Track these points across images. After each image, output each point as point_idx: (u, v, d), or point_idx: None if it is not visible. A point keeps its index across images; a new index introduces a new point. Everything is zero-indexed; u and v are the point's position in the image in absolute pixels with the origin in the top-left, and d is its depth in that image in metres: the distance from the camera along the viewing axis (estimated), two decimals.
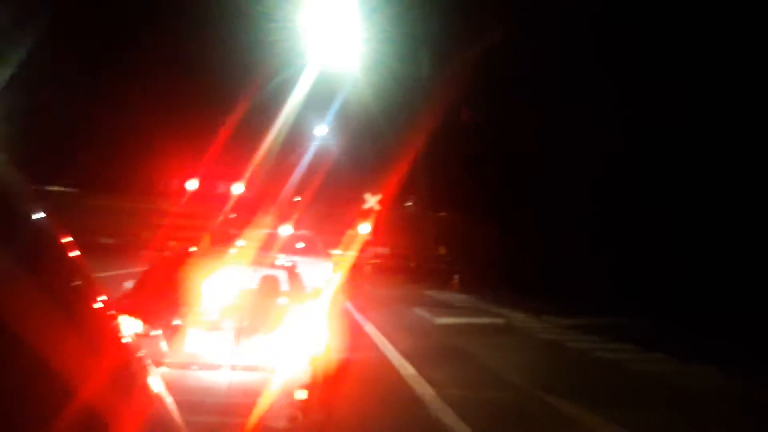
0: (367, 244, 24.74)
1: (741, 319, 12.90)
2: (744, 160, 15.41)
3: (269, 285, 5.51)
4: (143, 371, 1.34)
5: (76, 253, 1.14)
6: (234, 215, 28.05)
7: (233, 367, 4.47)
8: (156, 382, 1.36)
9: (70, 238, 1.13)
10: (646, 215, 17.37)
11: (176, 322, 4.54)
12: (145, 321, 4.51)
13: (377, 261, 25.48)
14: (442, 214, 26.57)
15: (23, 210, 1.01)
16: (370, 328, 10.73)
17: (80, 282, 1.10)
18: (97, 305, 1.16)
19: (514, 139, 19.92)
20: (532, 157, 19.61)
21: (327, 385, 5.04)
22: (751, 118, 15.13)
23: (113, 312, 1.29)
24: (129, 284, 6.13)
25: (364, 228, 22.72)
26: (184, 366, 4.45)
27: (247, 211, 26.76)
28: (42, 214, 1.04)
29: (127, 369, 1.25)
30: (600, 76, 17.42)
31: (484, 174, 22.26)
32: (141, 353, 1.39)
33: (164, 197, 31.81)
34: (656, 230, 17.13)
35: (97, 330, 1.15)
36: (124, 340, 1.28)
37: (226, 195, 29.21)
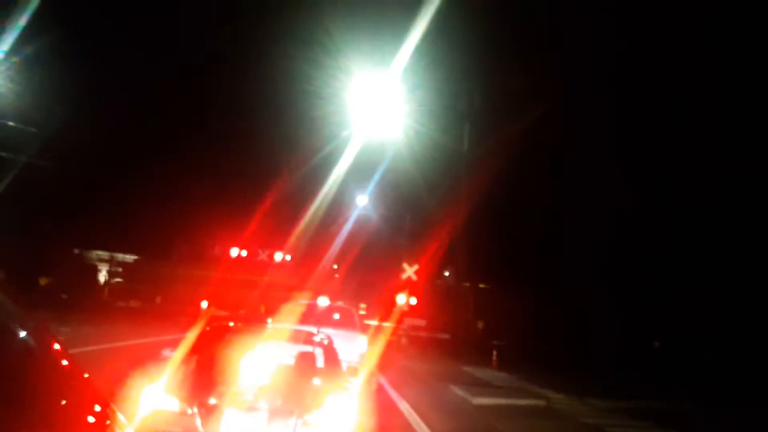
0: (404, 315, 24.51)
1: None
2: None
3: (305, 362, 5.48)
4: None
5: (67, 361, 1.14)
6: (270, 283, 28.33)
7: None
8: None
9: (58, 347, 1.15)
10: (685, 300, 16.84)
11: (212, 401, 4.54)
12: (181, 399, 4.52)
13: (414, 333, 25.10)
14: (481, 285, 26.23)
15: (10, 329, 1.04)
16: (404, 406, 10.44)
17: (70, 396, 1.10)
18: (91, 417, 1.15)
19: (554, 217, 19.87)
20: (563, 232, 19.49)
21: None
22: None
23: (109, 414, 1.27)
24: (168, 351, 6.20)
25: (402, 299, 22.57)
26: None
27: (288, 280, 27.06)
28: (28, 332, 1.06)
29: None
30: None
31: (526, 249, 22.08)
32: None
33: (210, 264, 32.56)
34: (699, 316, 16.53)
35: None
36: None
37: (268, 263, 29.63)
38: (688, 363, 15.58)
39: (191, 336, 5.89)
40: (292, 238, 27.74)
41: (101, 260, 35.18)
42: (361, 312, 15.96)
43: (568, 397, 13.69)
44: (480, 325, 24.44)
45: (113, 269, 34.43)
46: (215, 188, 32.01)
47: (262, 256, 30.11)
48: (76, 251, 33.37)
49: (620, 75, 18.09)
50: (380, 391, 11.36)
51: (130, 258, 35.43)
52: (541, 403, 12.82)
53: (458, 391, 13.13)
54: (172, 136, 32.46)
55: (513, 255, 22.24)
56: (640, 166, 17.30)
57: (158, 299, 30.25)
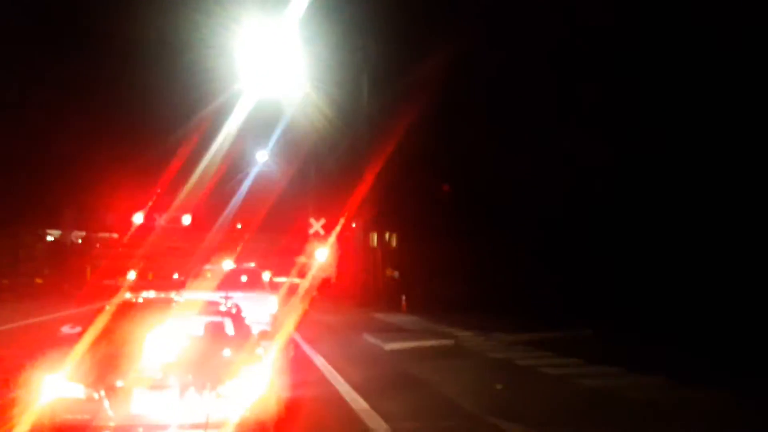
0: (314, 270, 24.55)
1: (686, 326, 13.44)
2: (673, 171, 16.15)
3: (213, 333, 5.38)
4: None
5: None
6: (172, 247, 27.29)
7: (180, 426, 4.33)
8: None
9: None
10: (585, 229, 17.94)
11: (119, 383, 4.37)
12: (87, 384, 4.32)
13: (325, 287, 25.29)
14: (387, 234, 26.72)
15: None
16: (319, 361, 10.60)
17: None
18: None
19: (464, 158, 20.27)
20: (480, 174, 19.99)
21: (278, 431, 4.95)
22: (690, 136, 15.80)
23: None
24: (67, 328, 5.87)
25: (310, 254, 22.59)
26: (130, 429, 4.28)
27: (188, 243, 26.13)
28: None
29: None
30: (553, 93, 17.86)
31: (431, 193, 22.54)
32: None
33: (104, 231, 30.79)
34: (598, 242, 17.68)
35: None
36: None
37: (165, 227, 28.42)
38: (582, 295, 16.76)
39: (92, 313, 5.61)
40: (189, 199, 26.70)
41: None
42: (268, 275, 15.77)
43: (475, 334, 14.42)
44: (389, 272, 25.00)
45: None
46: (99, 150, 29.91)
47: (159, 220, 28.79)
48: None
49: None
50: (295, 348, 11.42)
51: None
52: (450, 342, 13.44)
53: (371, 338, 13.48)
54: (44, 95, 29.74)
55: (420, 202, 22.68)
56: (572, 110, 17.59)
57: (39, 278, 28.13)
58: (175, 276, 20.78)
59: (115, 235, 29.93)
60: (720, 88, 14.75)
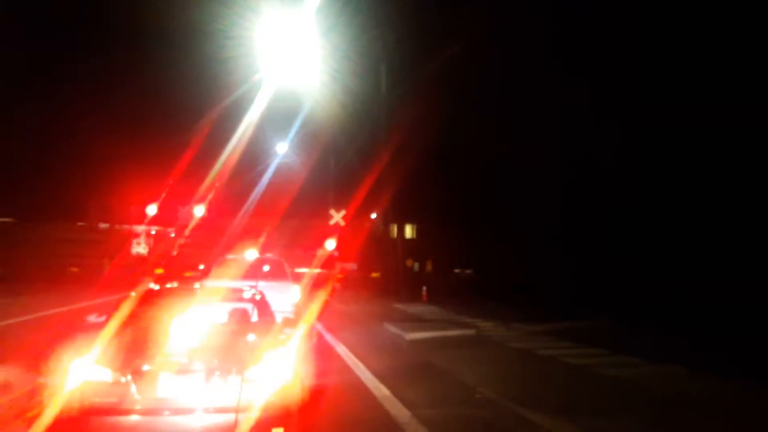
0: (335, 261, 24.69)
1: (703, 317, 13.35)
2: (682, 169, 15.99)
3: (237, 319, 5.44)
4: None
5: None
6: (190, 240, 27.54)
7: (206, 410, 4.39)
8: None
9: None
10: (607, 224, 17.82)
11: (146, 367, 4.45)
12: (113, 369, 4.41)
13: (347, 277, 25.41)
14: (407, 225, 26.73)
15: None
16: (341, 349, 10.67)
17: None
18: None
19: (483, 151, 20.22)
20: (498, 168, 19.93)
21: (301, 417, 5.00)
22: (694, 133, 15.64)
23: None
24: (93, 317, 5.99)
25: (331, 244, 22.67)
26: (156, 412, 4.36)
27: (210, 234, 26.41)
28: None
29: None
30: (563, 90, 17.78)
31: (451, 185, 22.49)
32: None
33: (125, 223, 31.19)
34: (616, 236, 17.57)
35: None
36: None
37: (187, 218, 28.69)
38: (600, 285, 16.68)
39: (118, 302, 5.70)
40: (211, 192, 26.94)
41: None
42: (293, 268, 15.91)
43: (495, 324, 14.41)
44: (410, 263, 25.04)
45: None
46: (123, 143, 30.35)
47: (182, 212, 29.11)
48: None
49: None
50: (317, 337, 11.53)
51: None
52: (471, 332, 13.44)
53: (392, 328, 13.52)
54: (70, 91, 30.21)
55: (440, 194, 22.64)
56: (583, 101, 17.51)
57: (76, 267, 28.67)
58: (201, 267, 21.01)
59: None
60: (720, 83, 14.56)
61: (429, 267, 23.84)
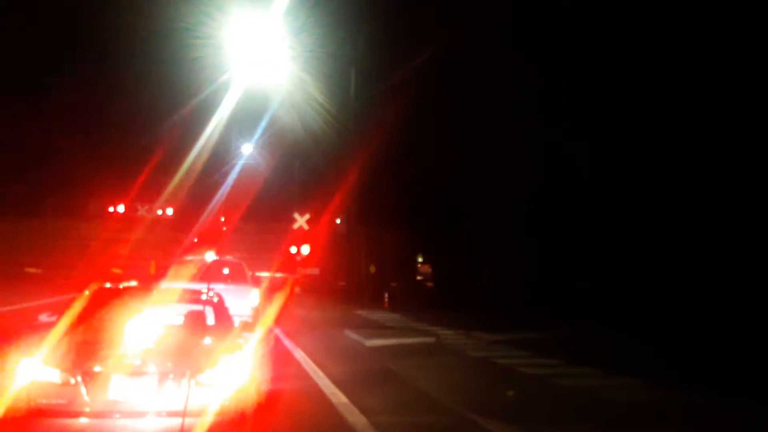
0: (297, 265, 24.49)
1: (661, 330, 13.66)
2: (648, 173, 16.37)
3: (194, 322, 5.33)
4: None
5: None
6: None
7: (158, 414, 4.28)
8: None
9: None
10: (568, 232, 18.12)
11: (97, 368, 4.31)
12: (62, 369, 4.26)
13: (308, 282, 25.21)
14: (371, 230, 26.70)
15: None
16: (299, 355, 10.56)
17: None
18: None
19: (444, 159, 20.34)
20: (461, 175, 20.09)
21: (256, 423, 4.91)
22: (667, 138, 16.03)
23: None
24: (44, 316, 5.79)
25: (293, 249, 22.50)
26: (106, 415, 4.22)
27: (171, 233, 25.91)
28: None
29: None
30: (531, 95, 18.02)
31: (414, 192, 22.57)
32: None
33: (87, 221, 30.39)
34: (579, 247, 17.88)
35: None
36: None
37: (149, 218, 28.13)
38: (562, 294, 16.93)
39: (71, 301, 5.52)
40: (174, 191, 26.44)
41: None
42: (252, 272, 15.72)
43: (456, 332, 14.48)
44: (372, 269, 25.01)
45: None
46: (86, 140, 29.57)
47: (142, 211, 28.48)
48: None
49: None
50: (276, 342, 11.38)
51: None
52: (431, 340, 13.48)
53: (352, 335, 13.46)
54: (30, 90, 29.28)
55: (404, 201, 22.70)
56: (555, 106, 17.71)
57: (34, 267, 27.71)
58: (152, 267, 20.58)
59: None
60: (716, 83, 14.97)
61: (390, 270, 23.87)
